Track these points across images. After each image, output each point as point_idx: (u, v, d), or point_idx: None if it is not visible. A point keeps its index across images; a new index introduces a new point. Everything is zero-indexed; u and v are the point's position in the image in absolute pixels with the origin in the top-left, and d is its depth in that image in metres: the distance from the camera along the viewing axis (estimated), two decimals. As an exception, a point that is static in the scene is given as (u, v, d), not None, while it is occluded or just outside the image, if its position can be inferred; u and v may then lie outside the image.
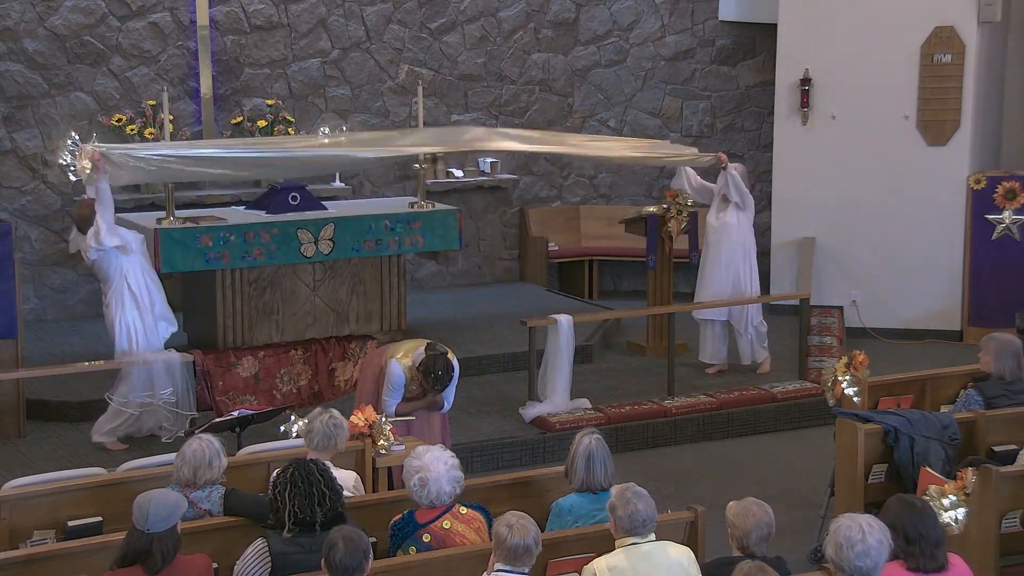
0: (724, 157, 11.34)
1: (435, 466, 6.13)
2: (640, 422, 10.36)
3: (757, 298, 11.47)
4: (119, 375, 9.61)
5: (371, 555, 5.37)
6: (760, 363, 11.57)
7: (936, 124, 12.85)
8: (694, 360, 11.79)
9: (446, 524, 6.10)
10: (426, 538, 6.05)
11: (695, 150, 11.69)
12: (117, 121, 12.44)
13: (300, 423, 7.82)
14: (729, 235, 11.33)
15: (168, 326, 9.70)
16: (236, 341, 9.93)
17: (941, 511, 6.45)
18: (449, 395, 8.32)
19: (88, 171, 9.37)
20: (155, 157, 9.69)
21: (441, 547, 6.03)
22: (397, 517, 6.22)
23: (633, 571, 5.66)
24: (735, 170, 11.32)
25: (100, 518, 6.70)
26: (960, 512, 6.66)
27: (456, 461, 6.26)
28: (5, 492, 6.79)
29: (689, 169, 11.52)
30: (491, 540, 5.67)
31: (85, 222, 9.45)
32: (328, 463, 6.20)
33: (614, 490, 5.96)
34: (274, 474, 5.97)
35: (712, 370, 11.58)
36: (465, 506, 6.24)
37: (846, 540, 5.21)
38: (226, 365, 9.78)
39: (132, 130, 12.44)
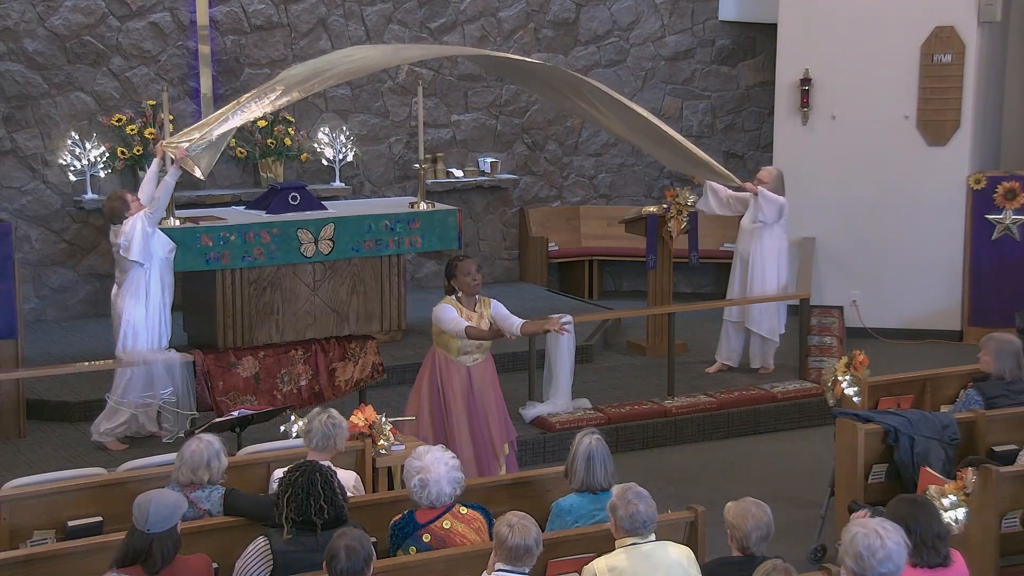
0: (752, 186, 11.26)
1: (436, 467, 6.14)
2: (640, 422, 10.36)
3: (756, 298, 11.46)
4: (117, 373, 9.61)
5: (373, 559, 5.37)
6: (758, 367, 11.57)
7: (936, 124, 12.85)
8: (694, 360, 11.79)
9: (446, 524, 6.10)
10: (426, 538, 6.06)
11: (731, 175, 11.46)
12: (117, 121, 12.45)
13: (300, 423, 7.82)
14: (761, 239, 11.30)
15: (164, 340, 9.70)
16: (236, 341, 9.93)
17: (941, 511, 6.45)
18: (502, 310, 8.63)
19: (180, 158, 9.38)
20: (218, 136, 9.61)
21: (441, 547, 6.04)
22: (397, 517, 6.22)
23: (633, 571, 5.66)
24: (764, 178, 11.31)
25: (100, 518, 6.70)
26: (960, 512, 6.67)
27: (457, 462, 6.27)
28: (5, 492, 6.79)
29: (717, 185, 11.43)
30: (491, 540, 5.67)
31: (115, 214, 9.53)
32: (327, 463, 6.20)
33: (615, 490, 5.96)
34: (283, 471, 5.98)
35: (712, 369, 11.57)
36: (465, 506, 6.25)
37: (867, 549, 5.12)
38: (226, 365, 9.77)
39: (132, 130, 12.44)
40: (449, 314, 8.42)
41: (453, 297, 8.56)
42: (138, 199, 9.58)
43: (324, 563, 5.30)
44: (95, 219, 12.26)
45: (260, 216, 10.22)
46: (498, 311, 8.63)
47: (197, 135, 9.40)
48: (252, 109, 9.29)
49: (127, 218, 9.45)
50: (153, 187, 9.60)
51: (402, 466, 6.42)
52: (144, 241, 9.36)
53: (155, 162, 9.76)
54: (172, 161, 9.38)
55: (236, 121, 9.33)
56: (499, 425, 8.69)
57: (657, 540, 5.80)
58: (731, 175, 10.79)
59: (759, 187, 11.25)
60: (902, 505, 5.69)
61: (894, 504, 5.71)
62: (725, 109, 14.85)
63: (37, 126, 12.41)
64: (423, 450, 6.30)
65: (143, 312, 9.50)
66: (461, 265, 8.54)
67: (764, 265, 11.32)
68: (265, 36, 13.12)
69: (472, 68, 13.94)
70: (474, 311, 8.55)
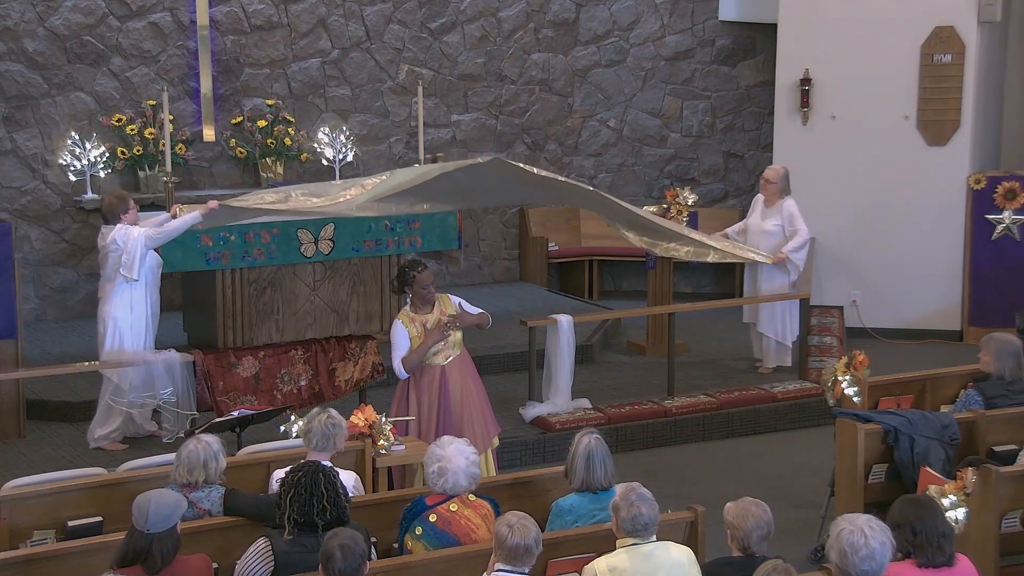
0: (782, 256, 11.20)
1: (456, 459, 6.24)
2: (640, 422, 10.36)
3: (756, 298, 11.46)
4: (104, 378, 9.62)
5: (368, 556, 5.37)
6: (771, 367, 11.55)
7: (936, 124, 12.85)
8: (694, 360, 11.80)
9: (452, 507, 6.18)
10: (432, 518, 6.14)
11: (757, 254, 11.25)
12: (117, 121, 12.45)
13: (300, 423, 7.82)
14: (770, 244, 11.29)
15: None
16: (236, 341, 9.92)
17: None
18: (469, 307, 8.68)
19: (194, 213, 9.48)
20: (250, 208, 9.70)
21: (447, 528, 6.11)
22: (408, 502, 6.29)
23: (634, 571, 5.66)
24: (771, 176, 11.33)
25: (100, 518, 6.70)
26: (960, 512, 6.67)
27: (477, 458, 6.36)
28: (5, 492, 6.79)
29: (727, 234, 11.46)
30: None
31: (112, 212, 9.56)
32: (327, 463, 6.20)
33: (619, 489, 5.97)
34: (285, 471, 5.98)
35: (765, 369, 11.55)
36: (475, 495, 6.29)
37: (850, 547, 5.22)
38: (226, 365, 9.77)
39: (132, 130, 12.44)
40: (397, 340, 8.48)
41: (407, 308, 8.58)
42: (136, 209, 9.62)
43: (320, 566, 5.29)
44: (95, 219, 12.25)
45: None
46: (462, 307, 8.69)
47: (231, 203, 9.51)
48: (286, 204, 9.40)
49: (121, 221, 9.46)
50: (162, 219, 9.62)
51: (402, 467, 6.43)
52: (141, 260, 9.39)
53: (168, 216, 9.78)
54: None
55: (266, 202, 9.42)
56: (483, 419, 8.64)
57: (658, 540, 5.80)
58: (761, 255, 10.89)
59: (785, 254, 11.19)
60: (906, 506, 5.69)
61: (899, 505, 5.71)
62: (725, 109, 14.85)
63: (37, 126, 12.41)
64: (447, 440, 6.39)
65: (128, 317, 9.52)
66: (419, 278, 8.51)
67: (772, 268, 11.32)
68: (265, 36, 13.12)
69: (472, 68, 13.95)
70: (430, 314, 8.56)
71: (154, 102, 12.47)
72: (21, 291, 10.19)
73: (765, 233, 11.34)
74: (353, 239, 10.23)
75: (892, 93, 12.86)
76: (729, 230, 11.67)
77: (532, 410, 10.30)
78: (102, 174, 12.48)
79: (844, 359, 8.71)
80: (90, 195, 12.40)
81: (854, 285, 13.09)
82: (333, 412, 6.91)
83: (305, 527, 5.73)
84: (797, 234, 11.28)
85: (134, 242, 9.36)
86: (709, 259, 10.82)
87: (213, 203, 9.44)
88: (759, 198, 11.54)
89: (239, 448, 7.76)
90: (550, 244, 14.20)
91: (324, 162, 13.27)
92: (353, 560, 5.25)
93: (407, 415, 8.46)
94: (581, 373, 10.85)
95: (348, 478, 6.82)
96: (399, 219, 10.44)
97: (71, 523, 6.65)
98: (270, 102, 13.03)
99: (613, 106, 14.58)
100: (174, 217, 9.61)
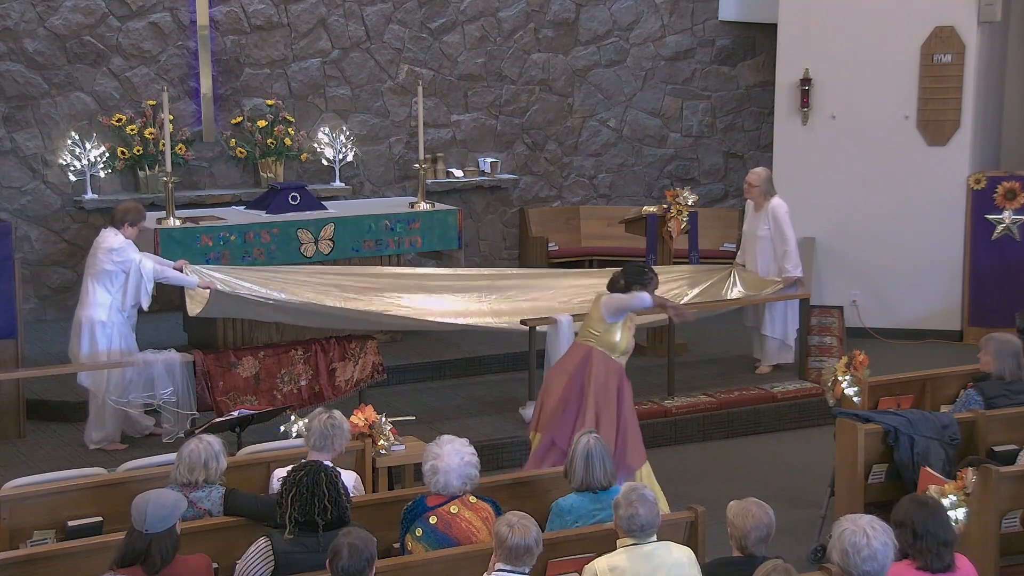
0: (790, 279, 11.18)
1: (450, 458, 6.22)
2: (640, 422, 10.32)
3: (755, 298, 11.45)
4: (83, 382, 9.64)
5: (375, 561, 5.38)
6: (770, 367, 11.54)
7: (936, 124, 12.85)
8: (694, 360, 11.79)
9: (453, 509, 6.17)
10: (432, 520, 6.14)
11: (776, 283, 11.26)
12: (117, 121, 12.45)
13: (300, 423, 7.83)
14: (763, 250, 11.26)
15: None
16: (236, 341, 9.93)
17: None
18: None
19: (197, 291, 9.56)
20: (248, 295, 9.70)
21: (447, 530, 6.11)
22: (409, 502, 6.30)
23: (634, 571, 5.66)
24: (753, 180, 11.28)
25: (100, 518, 6.71)
26: (960, 512, 6.67)
27: (475, 460, 6.31)
28: (5, 492, 6.79)
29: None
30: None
31: (123, 217, 9.55)
32: (329, 463, 6.20)
33: (623, 488, 5.96)
34: (286, 471, 5.99)
35: (763, 369, 11.52)
36: (476, 497, 6.28)
37: (852, 546, 5.22)
38: (226, 365, 9.77)
39: (132, 130, 12.44)
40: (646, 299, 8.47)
41: None
42: (139, 228, 9.62)
43: (327, 560, 5.31)
44: (95, 219, 12.26)
45: (260, 216, 10.25)
46: None
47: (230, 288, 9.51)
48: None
49: (120, 228, 9.45)
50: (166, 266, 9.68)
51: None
52: (140, 287, 9.43)
53: (171, 264, 9.86)
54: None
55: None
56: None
57: (658, 540, 5.80)
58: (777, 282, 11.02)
59: (794, 275, 11.16)
60: (913, 506, 5.65)
61: (906, 502, 5.68)
62: (725, 109, 14.85)
63: (37, 126, 12.41)
64: (447, 439, 6.36)
65: (103, 331, 9.54)
66: (656, 282, 8.54)
67: (770, 268, 11.31)
68: (265, 36, 13.12)
69: (472, 68, 13.95)
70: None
71: (154, 102, 12.47)
72: (21, 291, 10.19)
73: (758, 239, 11.29)
74: (353, 239, 10.25)
75: (892, 93, 12.85)
76: (744, 263, 11.61)
77: (532, 410, 10.27)
78: (102, 174, 12.48)
79: (844, 359, 8.71)
80: (90, 195, 12.40)
81: (854, 285, 13.09)
82: (335, 412, 6.92)
83: (306, 527, 5.73)
84: (787, 247, 11.13)
85: (147, 273, 9.39)
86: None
87: (214, 284, 9.42)
88: (750, 203, 11.50)
89: (239, 448, 7.76)
90: (550, 244, 14.19)
91: (324, 162, 13.27)
92: (359, 561, 5.26)
93: (607, 404, 8.46)
94: (581, 373, 10.82)
95: (348, 478, 6.83)
96: (399, 219, 10.46)
97: (71, 523, 6.65)
98: (270, 102, 13.03)
99: (613, 106, 14.58)
100: (178, 269, 9.64)
